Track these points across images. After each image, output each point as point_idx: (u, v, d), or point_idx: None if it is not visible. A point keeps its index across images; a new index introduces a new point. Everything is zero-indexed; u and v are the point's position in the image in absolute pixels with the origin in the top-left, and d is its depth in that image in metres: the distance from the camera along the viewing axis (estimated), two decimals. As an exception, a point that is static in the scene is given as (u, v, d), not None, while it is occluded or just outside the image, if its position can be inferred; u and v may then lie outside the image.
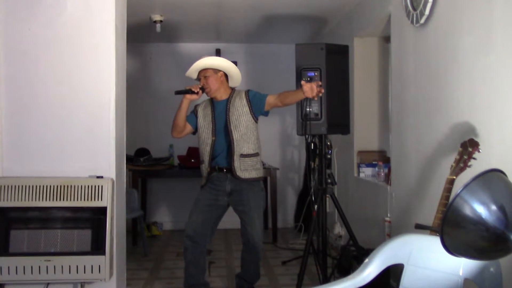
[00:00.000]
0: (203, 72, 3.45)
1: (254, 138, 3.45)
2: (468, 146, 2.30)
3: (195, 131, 3.57)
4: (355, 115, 4.42)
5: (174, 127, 3.53)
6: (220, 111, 3.45)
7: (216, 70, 3.44)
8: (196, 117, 3.54)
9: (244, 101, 3.41)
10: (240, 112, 3.40)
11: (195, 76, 3.53)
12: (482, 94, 2.43)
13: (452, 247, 1.49)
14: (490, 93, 2.37)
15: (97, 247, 2.97)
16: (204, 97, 3.57)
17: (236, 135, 3.36)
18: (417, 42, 3.16)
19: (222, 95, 3.46)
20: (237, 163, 3.35)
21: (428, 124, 3.01)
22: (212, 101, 3.53)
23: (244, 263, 3.60)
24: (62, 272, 2.91)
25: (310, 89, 3.00)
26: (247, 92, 3.46)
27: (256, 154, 3.45)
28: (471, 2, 2.51)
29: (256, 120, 3.43)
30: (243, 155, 3.37)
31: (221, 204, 3.45)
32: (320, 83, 3.12)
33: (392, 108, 3.75)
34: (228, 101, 3.45)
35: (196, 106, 3.61)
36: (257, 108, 3.39)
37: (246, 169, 3.38)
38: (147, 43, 5.99)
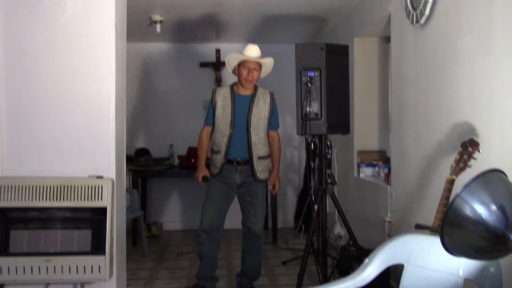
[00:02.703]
0: (252, 64, 3.44)
1: (266, 141, 3.59)
2: (468, 146, 2.30)
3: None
4: (355, 115, 4.42)
5: None
6: (242, 106, 3.51)
7: (260, 68, 3.52)
8: (214, 109, 3.54)
9: (268, 107, 3.55)
10: (262, 116, 3.52)
11: (237, 62, 3.51)
12: (482, 94, 2.43)
13: (452, 247, 1.49)
14: (490, 93, 2.37)
15: (97, 247, 2.96)
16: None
17: (254, 138, 3.49)
18: (417, 42, 3.16)
19: (248, 90, 3.54)
20: (257, 165, 3.52)
21: (428, 124, 3.01)
22: (233, 91, 3.56)
23: (246, 255, 3.63)
24: (62, 272, 2.91)
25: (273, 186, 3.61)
26: (272, 100, 3.57)
27: (269, 156, 3.61)
28: (471, 2, 2.51)
29: None
30: (260, 157, 3.53)
31: (231, 196, 3.60)
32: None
33: (392, 108, 3.74)
34: (252, 99, 3.52)
35: (215, 95, 3.57)
36: (272, 122, 3.58)
37: (263, 171, 3.57)
38: (147, 43, 5.99)
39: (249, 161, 3.51)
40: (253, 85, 3.54)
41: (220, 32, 5.60)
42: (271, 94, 3.60)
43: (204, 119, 3.66)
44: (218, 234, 3.58)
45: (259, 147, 3.52)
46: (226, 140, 3.48)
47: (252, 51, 3.49)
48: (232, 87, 3.61)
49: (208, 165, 3.66)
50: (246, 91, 3.54)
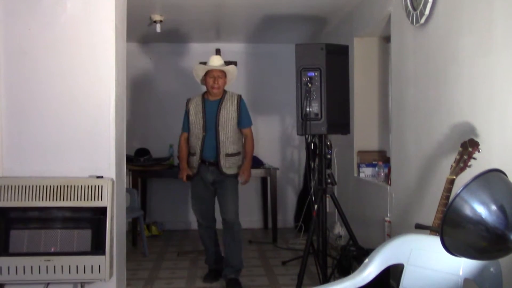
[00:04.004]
0: (216, 72, 3.76)
1: (238, 139, 3.84)
2: (468, 146, 2.30)
3: None
4: (355, 115, 4.42)
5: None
6: (211, 111, 3.80)
7: (225, 75, 3.81)
8: (188, 116, 3.88)
9: (235, 107, 3.82)
10: (230, 116, 3.79)
11: (203, 72, 3.83)
12: (482, 94, 2.43)
13: (452, 247, 1.49)
14: (490, 93, 2.37)
15: (97, 247, 2.97)
16: (193, 91, 3.70)
17: (222, 137, 3.76)
18: (417, 42, 3.16)
19: (217, 96, 3.83)
20: (223, 161, 3.78)
21: (428, 124, 3.01)
22: (204, 99, 3.87)
23: (225, 244, 3.90)
24: (62, 272, 2.91)
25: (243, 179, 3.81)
26: (240, 100, 3.85)
27: (239, 153, 3.85)
28: (471, 2, 2.51)
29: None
30: (228, 155, 3.78)
31: (211, 190, 3.93)
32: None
33: (392, 108, 3.74)
34: (220, 102, 3.81)
35: (188, 104, 3.92)
36: (241, 121, 3.83)
37: (230, 167, 3.81)
38: (147, 43, 5.99)
39: (216, 160, 3.78)
40: (220, 91, 3.82)
41: (220, 32, 5.59)
42: (239, 96, 3.87)
43: (182, 127, 3.98)
44: (212, 222, 3.99)
45: (227, 145, 3.77)
46: (200, 142, 3.80)
47: (215, 61, 3.81)
48: (203, 95, 3.91)
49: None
50: (214, 97, 3.83)
